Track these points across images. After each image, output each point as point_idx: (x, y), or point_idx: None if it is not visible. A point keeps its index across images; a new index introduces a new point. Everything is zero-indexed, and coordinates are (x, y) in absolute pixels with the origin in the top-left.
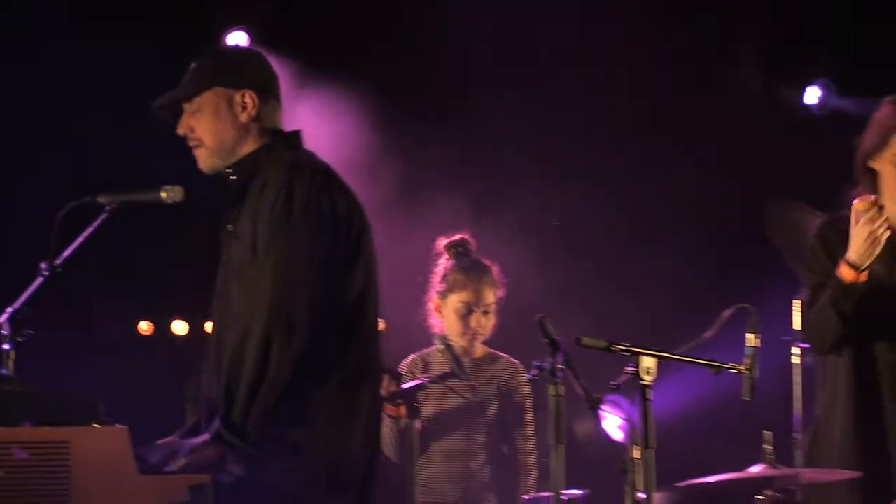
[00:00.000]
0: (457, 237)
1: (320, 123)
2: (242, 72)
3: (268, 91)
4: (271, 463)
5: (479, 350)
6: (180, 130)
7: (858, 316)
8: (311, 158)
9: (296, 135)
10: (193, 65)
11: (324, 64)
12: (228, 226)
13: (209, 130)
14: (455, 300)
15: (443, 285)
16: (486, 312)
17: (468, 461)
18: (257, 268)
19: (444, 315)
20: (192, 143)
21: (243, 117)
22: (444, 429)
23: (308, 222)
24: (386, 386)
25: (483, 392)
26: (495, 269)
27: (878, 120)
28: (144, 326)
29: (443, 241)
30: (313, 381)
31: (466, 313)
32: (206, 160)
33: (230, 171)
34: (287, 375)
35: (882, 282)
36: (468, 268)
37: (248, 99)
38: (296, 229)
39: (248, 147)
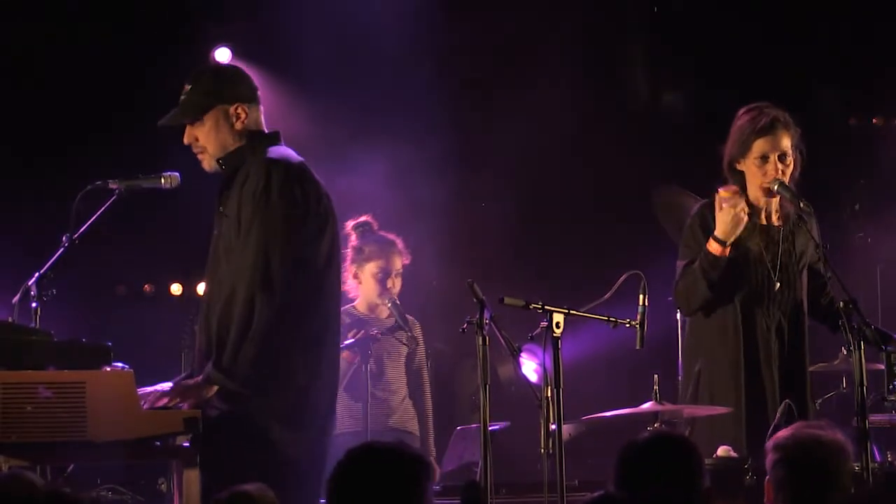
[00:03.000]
0: (361, 219)
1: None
2: (233, 88)
3: (253, 100)
4: (250, 401)
5: (385, 310)
6: (186, 141)
7: (739, 288)
8: (287, 154)
9: (275, 134)
10: (188, 85)
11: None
12: (220, 207)
13: (212, 141)
14: (373, 267)
15: (360, 256)
16: (397, 276)
17: (395, 395)
18: (242, 241)
19: (361, 281)
20: (196, 151)
21: (238, 125)
22: (378, 370)
23: (283, 205)
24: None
25: (413, 340)
26: (400, 242)
27: (737, 129)
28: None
29: (349, 224)
30: (289, 333)
31: (384, 277)
32: (209, 163)
33: (221, 161)
34: (268, 327)
35: (754, 256)
36: (380, 241)
37: (240, 111)
38: (273, 210)
39: (238, 144)
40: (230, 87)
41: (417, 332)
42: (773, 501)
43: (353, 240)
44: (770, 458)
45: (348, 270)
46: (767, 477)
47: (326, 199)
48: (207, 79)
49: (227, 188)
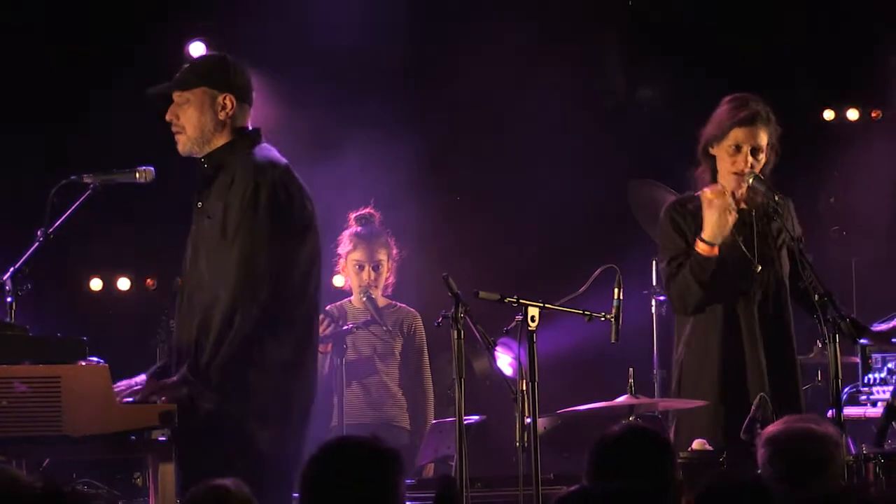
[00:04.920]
0: (363, 211)
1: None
2: (228, 78)
3: (245, 98)
4: (227, 401)
5: (382, 301)
6: (168, 117)
7: (721, 276)
8: (273, 158)
9: (256, 132)
10: (187, 64)
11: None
12: (199, 203)
13: (191, 121)
14: (351, 259)
15: (344, 249)
16: (375, 268)
17: (382, 389)
18: (227, 246)
19: (346, 273)
20: (174, 129)
21: (221, 115)
22: (363, 364)
23: (270, 213)
24: (322, 328)
25: (391, 334)
26: (388, 234)
27: (718, 114)
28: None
29: (352, 215)
30: (269, 340)
31: (359, 269)
32: (184, 145)
33: (203, 160)
34: (248, 334)
35: (729, 243)
36: (362, 233)
37: (228, 101)
38: (260, 218)
39: (220, 141)
40: (225, 75)
41: (417, 324)
42: None
43: (348, 232)
44: (763, 453)
45: (339, 264)
46: (759, 472)
47: (309, 202)
48: (207, 61)
49: (207, 185)
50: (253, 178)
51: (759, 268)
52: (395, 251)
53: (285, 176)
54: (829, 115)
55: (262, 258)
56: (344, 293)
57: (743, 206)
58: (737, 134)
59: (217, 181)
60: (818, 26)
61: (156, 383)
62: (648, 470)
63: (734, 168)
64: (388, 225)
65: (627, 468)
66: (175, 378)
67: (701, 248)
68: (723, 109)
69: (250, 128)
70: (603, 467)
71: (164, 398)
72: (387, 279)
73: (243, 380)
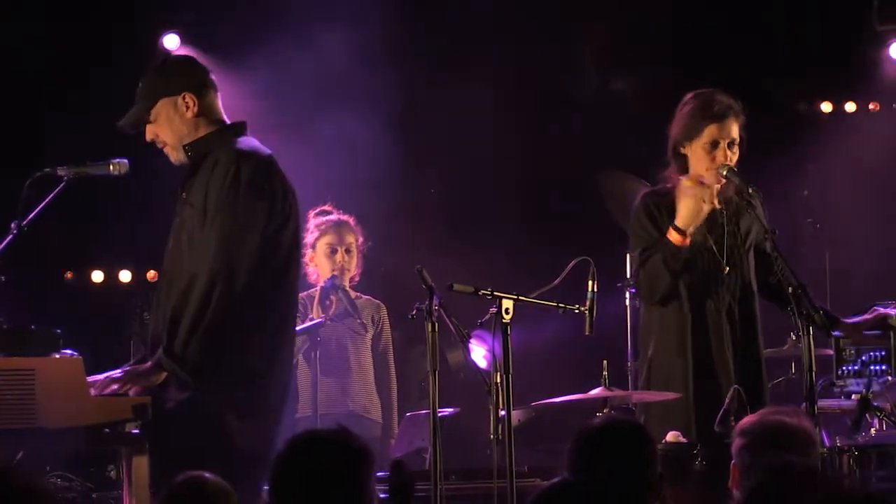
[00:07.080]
0: (322, 208)
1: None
2: (178, 79)
3: (203, 87)
4: (204, 388)
5: (350, 293)
6: (148, 138)
7: (686, 274)
8: (257, 147)
9: (242, 124)
10: (140, 84)
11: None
12: (182, 194)
13: (168, 134)
14: (322, 244)
15: (311, 236)
16: (348, 251)
17: (354, 381)
18: (206, 230)
19: (316, 262)
20: (160, 146)
21: (188, 115)
22: (336, 355)
23: (250, 197)
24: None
25: (364, 326)
26: (352, 219)
27: (686, 113)
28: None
29: (311, 212)
30: (247, 325)
31: (332, 252)
32: (173, 155)
33: (187, 149)
34: (223, 317)
35: (699, 242)
36: (328, 219)
37: (188, 100)
38: (240, 202)
39: (202, 132)
40: (174, 78)
41: (383, 315)
42: (739, 486)
43: (313, 227)
44: (736, 443)
45: (306, 255)
46: (733, 461)
47: (291, 194)
48: (152, 74)
49: (191, 175)
50: (235, 161)
51: (727, 269)
52: (360, 238)
53: (268, 163)
54: (801, 106)
55: (241, 242)
56: (311, 285)
57: (716, 205)
58: (711, 130)
59: (201, 171)
60: (791, 15)
61: (131, 370)
62: (629, 462)
63: (714, 165)
64: (359, 216)
65: (608, 460)
66: (150, 364)
67: (673, 236)
68: (691, 107)
69: (223, 114)
70: (584, 459)
71: (138, 385)
72: (356, 267)
73: (221, 365)
